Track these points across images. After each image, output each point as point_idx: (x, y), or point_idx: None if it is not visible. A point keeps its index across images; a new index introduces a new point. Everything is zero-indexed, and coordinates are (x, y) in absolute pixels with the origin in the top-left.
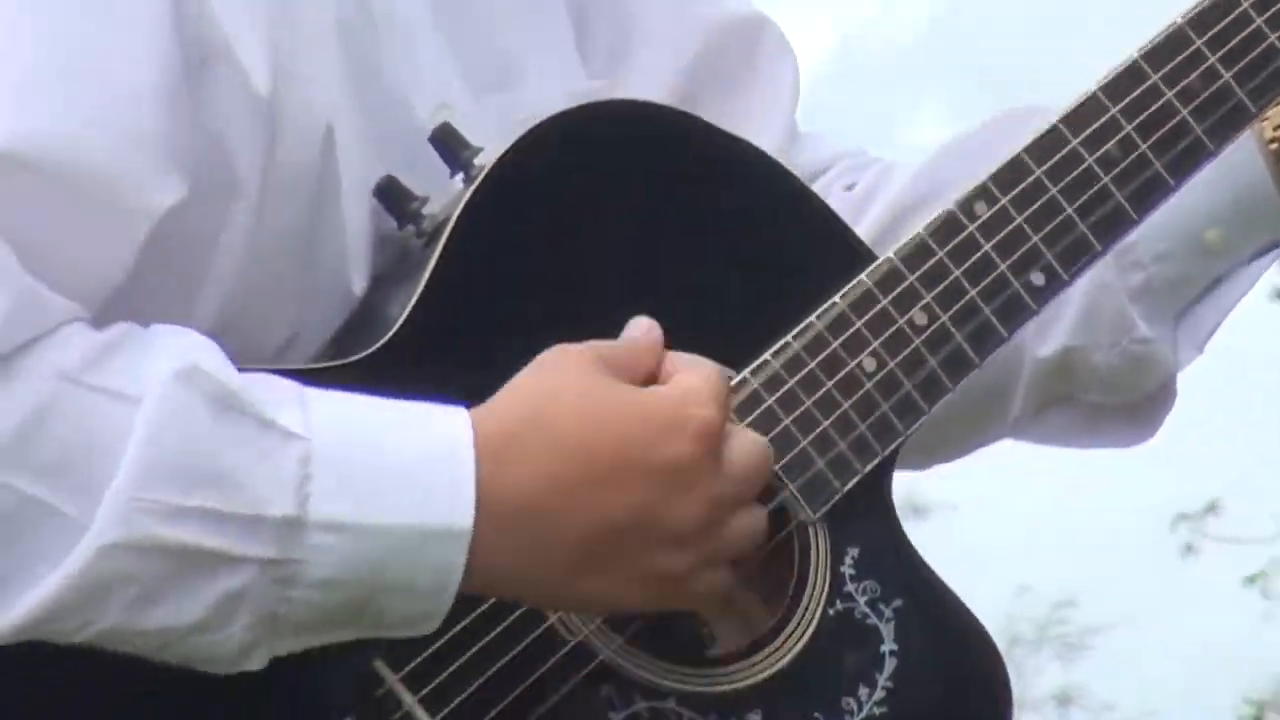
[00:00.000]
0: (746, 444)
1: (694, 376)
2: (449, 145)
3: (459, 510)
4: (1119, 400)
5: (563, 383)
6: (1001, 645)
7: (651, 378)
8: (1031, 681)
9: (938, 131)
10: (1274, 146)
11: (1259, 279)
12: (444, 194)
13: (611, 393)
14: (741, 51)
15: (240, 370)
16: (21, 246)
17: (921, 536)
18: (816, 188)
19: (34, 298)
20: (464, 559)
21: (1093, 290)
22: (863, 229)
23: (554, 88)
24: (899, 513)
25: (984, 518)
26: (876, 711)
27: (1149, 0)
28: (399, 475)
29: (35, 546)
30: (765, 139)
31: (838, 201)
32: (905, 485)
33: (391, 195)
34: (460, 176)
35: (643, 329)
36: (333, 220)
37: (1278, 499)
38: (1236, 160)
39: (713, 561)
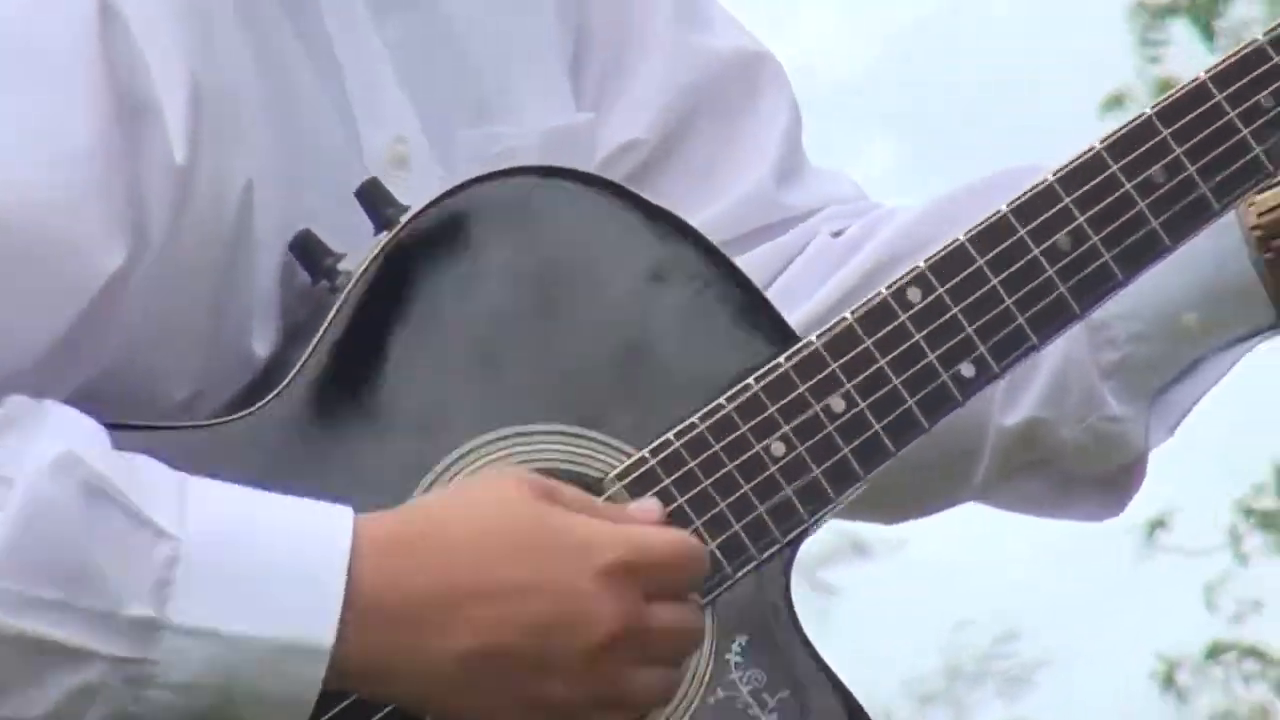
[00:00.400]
0: (677, 614)
1: (641, 528)
2: (373, 202)
3: (322, 626)
4: (1090, 471)
5: (465, 502)
6: (941, 680)
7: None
8: (973, 716)
9: (891, 161)
10: (1258, 234)
11: (1234, 367)
12: (364, 249)
13: (520, 513)
14: (738, 86)
15: (124, 451)
16: None
17: (865, 575)
18: (805, 227)
19: None
20: (322, 675)
21: (1063, 364)
22: (841, 276)
23: (535, 122)
24: (841, 551)
25: (930, 553)
26: None
27: (1104, 38)
28: (267, 583)
29: None
30: (749, 174)
31: (821, 245)
32: (848, 525)
33: (307, 250)
34: (384, 235)
35: (643, 509)
36: (243, 277)
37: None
38: (1219, 246)
39: (605, 702)
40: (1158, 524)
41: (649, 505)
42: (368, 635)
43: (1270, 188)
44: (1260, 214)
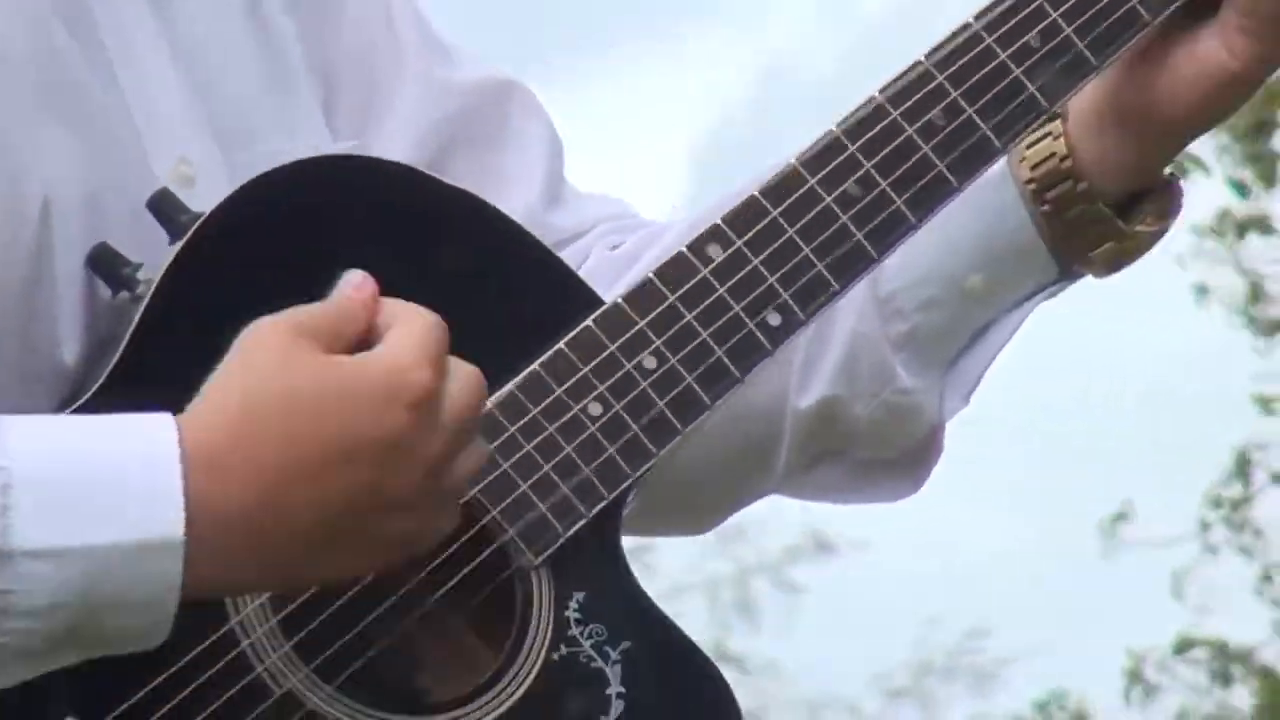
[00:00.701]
0: (460, 386)
1: (406, 334)
2: (166, 212)
3: (170, 521)
4: (886, 455)
5: (264, 373)
6: (911, 675)
7: (363, 338)
8: (941, 712)
9: None
10: (1032, 187)
11: (1020, 327)
12: (161, 259)
13: (315, 375)
14: (491, 113)
15: None
16: None
17: (830, 574)
18: (578, 246)
19: None
20: (180, 569)
21: (852, 340)
22: (622, 289)
23: (299, 147)
24: (804, 551)
25: (897, 551)
26: None
27: None
28: (105, 491)
29: None
30: (517, 198)
31: (599, 260)
32: (811, 523)
33: (104, 263)
34: (179, 241)
35: (353, 284)
36: (47, 291)
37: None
38: (997, 204)
39: (444, 505)
40: (1120, 517)
41: (354, 278)
42: (212, 529)
43: (1040, 140)
44: (1032, 167)
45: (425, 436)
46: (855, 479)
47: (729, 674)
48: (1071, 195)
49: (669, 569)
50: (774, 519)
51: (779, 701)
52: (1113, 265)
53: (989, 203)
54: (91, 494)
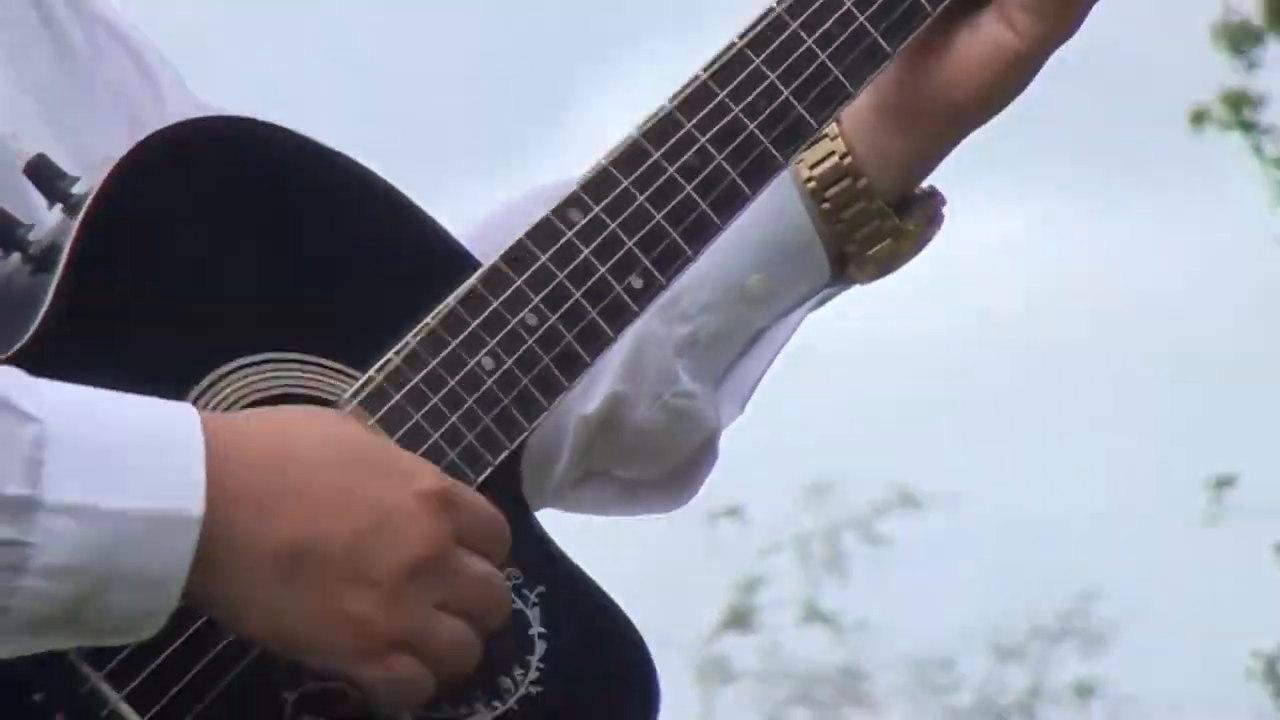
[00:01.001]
0: (489, 570)
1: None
2: (44, 176)
3: (191, 496)
4: (657, 473)
5: (304, 416)
6: (1020, 636)
7: None
8: (1052, 673)
9: None
10: (811, 185)
11: (794, 332)
12: (45, 223)
13: (355, 433)
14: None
15: None
16: None
17: (918, 530)
18: None
19: None
20: (193, 547)
21: (639, 340)
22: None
23: (121, 133)
24: (890, 504)
25: (995, 508)
26: (532, 690)
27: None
28: (136, 456)
29: None
30: None
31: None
32: (896, 476)
33: (42, 175)
34: (59, 206)
35: None
36: None
37: None
38: (778, 203)
39: (407, 643)
40: (1224, 482)
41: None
42: (222, 512)
43: (817, 141)
44: (810, 166)
45: (419, 527)
46: (621, 496)
47: (822, 633)
48: (851, 192)
49: (760, 526)
50: (861, 474)
51: (879, 661)
52: (883, 268)
53: (769, 204)
54: (120, 461)
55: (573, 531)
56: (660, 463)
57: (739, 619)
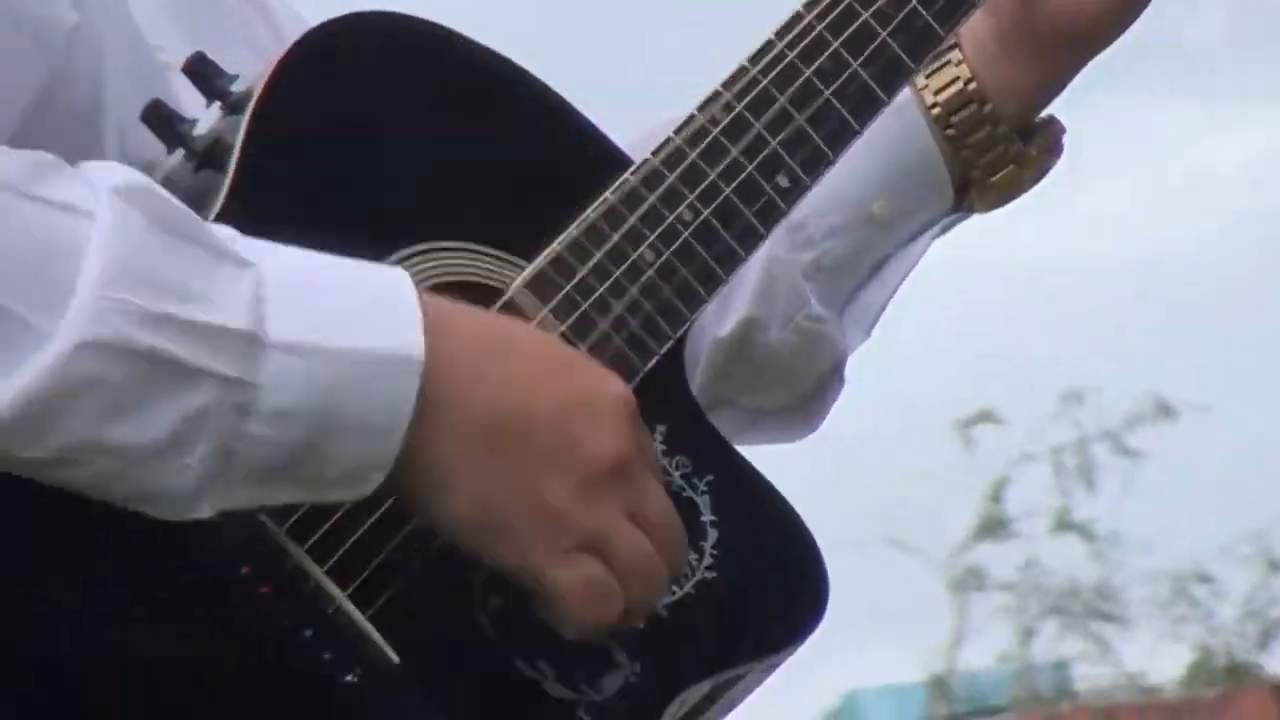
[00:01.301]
0: (674, 514)
1: None
2: (203, 73)
3: (411, 340)
4: (785, 399)
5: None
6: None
7: None
8: None
9: None
10: (936, 112)
11: (919, 261)
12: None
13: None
14: None
15: None
16: None
17: (1172, 441)
18: None
19: None
20: (416, 389)
21: (769, 264)
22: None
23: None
24: (1145, 414)
25: (1252, 419)
26: (708, 575)
27: None
28: (353, 299)
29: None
30: None
31: None
32: (1150, 384)
33: (159, 118)
34: (217, 104)
35: None
36: (96, 155)
37: None
38: (901, 129)
39: (590, 545)
40: None
41: None
42: (442, 362)
43: (940, 69)
44: (935, 92)
45: (621, 434)
46: (747, 425)
47: (1074, 543)
48: (977, 117)
49: (1013, 434)
50: (1113, 384)
51: (1137, 573)
52: (1003, 195)
53: (893, 129)
54: (340, 302)
55: (812, 440)
56: (790, 387)
57: (991, 528)
